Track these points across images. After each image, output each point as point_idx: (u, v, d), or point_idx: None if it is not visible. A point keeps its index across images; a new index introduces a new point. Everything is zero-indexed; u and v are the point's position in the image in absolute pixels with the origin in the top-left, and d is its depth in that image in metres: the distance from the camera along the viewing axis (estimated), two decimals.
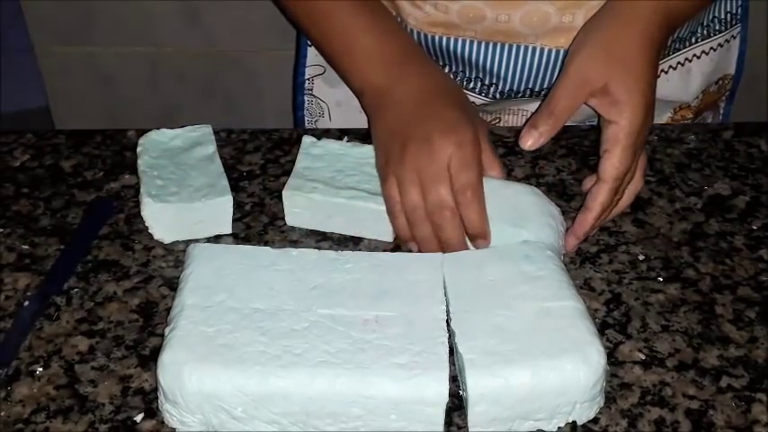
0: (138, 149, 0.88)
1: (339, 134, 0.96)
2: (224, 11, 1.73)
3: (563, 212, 0.84)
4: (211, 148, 0.88)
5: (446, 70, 0.99)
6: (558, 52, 0.93)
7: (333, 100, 1.07)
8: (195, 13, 1.73)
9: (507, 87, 0.97)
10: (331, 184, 0.83)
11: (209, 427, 0.67)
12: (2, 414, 0.69)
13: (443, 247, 0.79)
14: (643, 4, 0.83)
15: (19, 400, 0.70)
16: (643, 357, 0.73)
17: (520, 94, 0.98)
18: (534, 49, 0.93)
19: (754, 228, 0.86)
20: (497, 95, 0.98)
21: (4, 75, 2.34)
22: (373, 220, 0.82)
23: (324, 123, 1.09)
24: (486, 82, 0.97)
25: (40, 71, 1.81)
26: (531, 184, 0.85)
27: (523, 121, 1.03)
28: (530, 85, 0.96)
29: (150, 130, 0.90)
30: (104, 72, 1.81)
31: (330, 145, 0.88)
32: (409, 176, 0.79)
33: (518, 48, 0.93)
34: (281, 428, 0.67)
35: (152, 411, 0.69)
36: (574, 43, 0.85)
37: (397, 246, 0.83)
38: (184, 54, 1.78)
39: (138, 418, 0.69)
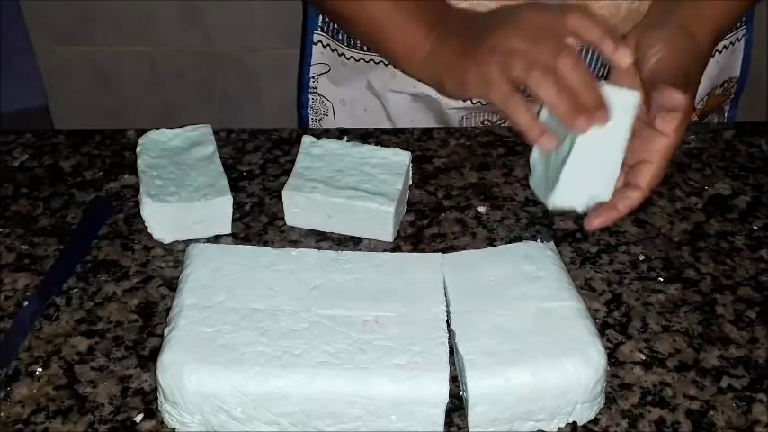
0: (138, 149, 0.88)
1: (339, 134, 0.96)
2: (223, 11, 1.73)
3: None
4: (211, 147, 0.88)
5: None
6: None
7: (337, 98, 1.07)
8: (195, 13, 1.73)
9: None
10: (331, 184, 0.83)
11: (208, 428, 0.67)
12: (1, 414, 0.69)
13: (578, 95, 0.73)
14: (707, 24, 0.83)
15: (18, 400, 0.70)
16: (643, 358, 0.73)
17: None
18: None
19: (755, 228, 0.86)
20: None
21: (3, 75, 2.34)
22: (373, 220, 0.82)
23: (328, 122, 1.09)
24: None
25: (39, 71, 1.81)
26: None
27: None
28: None
29: (150, 129, 0.90)
30: (104, 72, 1.81)
31: (330, 145, 0.88)
32: (512, 55, 0.74)
33: None
34: (280, 429, 0.67)
35: (152, 412, 0.69)
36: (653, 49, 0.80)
37: (397, 246, 0.83)
38: (184, 54, 1.79)
39: (138, 418, 0.69)
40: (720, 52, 1.03)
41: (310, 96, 1.10)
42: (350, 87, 1.04)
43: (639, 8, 0.92)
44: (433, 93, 0.99)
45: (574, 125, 0.72)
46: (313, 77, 1.08)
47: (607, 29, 0.75)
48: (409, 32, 0.86)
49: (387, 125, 1.04)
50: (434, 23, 0.86)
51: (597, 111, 0.72)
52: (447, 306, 0.72)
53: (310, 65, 1.08)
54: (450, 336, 0.69)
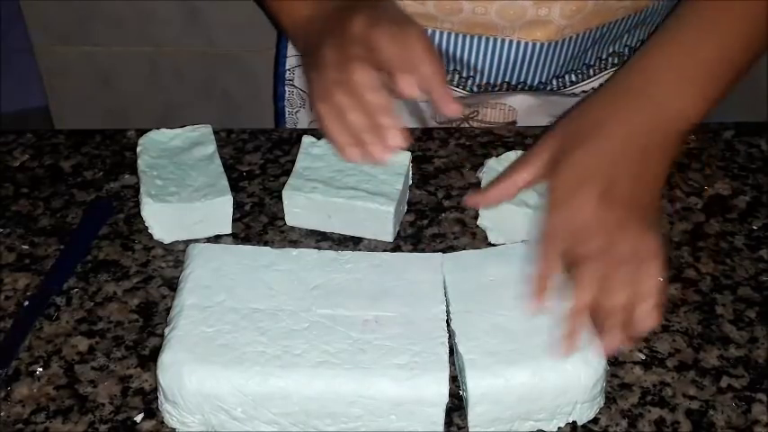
0: (138, 149, 0.88)
1: None
2: (224, 11, 1.72)
3: None
4: (211, 147, 0.88)
5: None
6: (534, 45, 0.93)
7: None
8: (195, 13, 1.73)
9: (484, 80, 0.97)
10: (331, 184, 0.83)
11: (208, 428, 0.67)
12: (2, 414, 0.69)
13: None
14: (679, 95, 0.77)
15: (19, 400, 0.70)
16: (643, 357, 0.73)
17: (497, 88, 0.98)
18: (511, 42, 0.93)
19: (755, 228, 0.86)
20: (474, 88, 0.98)
21: (3, 75, 2.34)
22: (373, 220, 0.82)
23: (304, 114, 1.09)
24: (464, 74, 0.97)
25: (39, 71, 1.81)
26: None
27: (501, 115, 1.02)
28: (506, 78, 0.96)
29: (150, 129, 0.90)
30: (104, 72, 1.81)
31: (330, 145, 0.88)
32: (333, 86, 0.76)
33: (495, 40, 0.93)
34: (280, 428, 0.67)
35: (152, 411, 0.69)
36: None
37: (397, 246, 0.83)
38: (184, 54, 1.78)
39: (138, 418, 0.69)
40: None
41: (286, 88, 1.10)
42: None
43: (607, 2, 0.91)
44: None
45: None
46: (289, 69, 1.08)
47: (439, 69, 0.74)
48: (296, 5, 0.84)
49: None
50: None
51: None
52: (447, 306, 0.72)
53: (286, 57, 1.08)
54: (450, 336, 0.69)
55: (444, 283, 0.74)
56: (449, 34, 0.94)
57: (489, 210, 0.82)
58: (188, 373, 0.66)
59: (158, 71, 1.80)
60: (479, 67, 0.96)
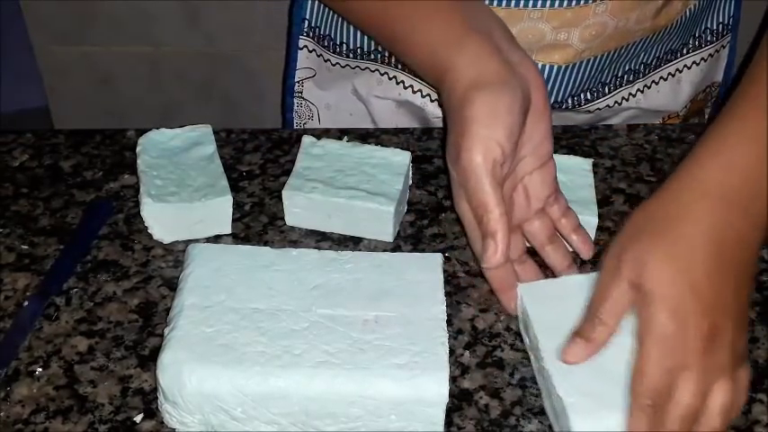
0: (138, 149, 0.88)
1: (339, 134, 0.96)
2: (224, 11, 1.73)
3: None
4: (211, 147, 0.88)
5: None
6: (551, 68, 0.93)
7: (322, 103, 1.07)
8: (195, 13, 1.73)
9: None
10: (331, 184, 0.83)
11: (208, 428, 0.67)
12: (1, 414, 0.69)
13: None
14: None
15: (18, 400, 0.70)
16: None
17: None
18: None
19: None
20: None
21: (3, 75, 2.34)
22: (373, 220, 0.82)
23: (313, 126, 1.09)
24: None
25: (39, 71, 1.81)
26: None
27: None
28: None
29: (150, 129, 0.90)
30: (104, 72, 1.81)
31: (330, 145, 0.88)
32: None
33: None
34: (280, 429, 0.67)
35: (152, 412, 0.69)
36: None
37: (397, 246, 0.83)
38: (184, 54, 1.79)
39: (138, 418, 0.69)
40: (705, 60, 1.03)
41: (295, 100, 1.10)
42: (335, 92, 1.04)
43: (626, 26, 0.92)
44: (417, 100, 0.99)
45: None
46: (298, 81, 1.08)
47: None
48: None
49: None
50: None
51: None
52: (535, 341, 0.69)
53: (296, 69, 1.08)
54: (544, 381, 0.67)
55: (526, 315, 0.71)
56: None
57: None
58: (188, 373, 0.65)
59: (158, 71, 1.81)
60: None
